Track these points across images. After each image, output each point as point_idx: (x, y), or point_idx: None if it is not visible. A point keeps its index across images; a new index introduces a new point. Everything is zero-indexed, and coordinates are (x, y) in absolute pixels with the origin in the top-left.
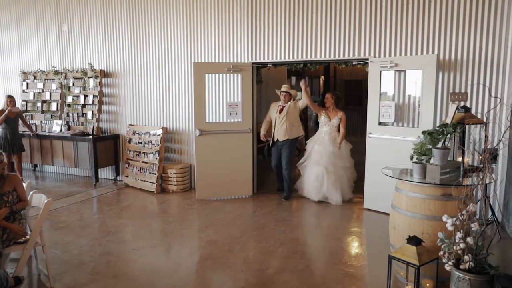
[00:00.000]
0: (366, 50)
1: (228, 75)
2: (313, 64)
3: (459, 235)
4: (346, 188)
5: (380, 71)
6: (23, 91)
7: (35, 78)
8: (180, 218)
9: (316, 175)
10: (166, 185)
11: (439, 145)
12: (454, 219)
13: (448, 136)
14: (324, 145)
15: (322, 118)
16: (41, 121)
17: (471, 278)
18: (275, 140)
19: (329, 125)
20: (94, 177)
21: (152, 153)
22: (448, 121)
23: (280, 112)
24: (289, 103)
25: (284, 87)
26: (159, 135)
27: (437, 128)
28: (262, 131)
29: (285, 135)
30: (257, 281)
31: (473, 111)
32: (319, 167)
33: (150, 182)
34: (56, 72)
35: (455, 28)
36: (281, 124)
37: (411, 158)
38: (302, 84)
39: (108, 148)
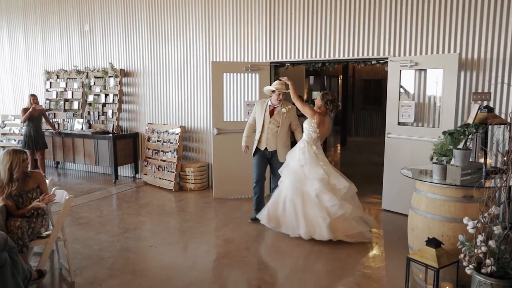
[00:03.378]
0: (385, 49)
1: (246, 74)
2: (331, 63)
3: (480, 238)
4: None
5: (400, 71)
6: (47, 90)
7: (58, 77)
8: (197, 216)
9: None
10: (184, 183)
11: (460, 146)
12: (476, 221)
13: (470, 136)
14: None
15: (312, 125)
16: (63, 120)
17: (493, 283)
18: (262, 149)
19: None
20: (114, 175)
21: (170, 151)
22: (470, 121)
23: (270, 115)
24: (285, 108)
25: (278, 84)
26: (177, 133)
27: (458, 129)
28: (244, 142)
29: (277, 145)
30: (273, 280)
31: (496, 111)
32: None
33: (168, 180)
34: (78, 72)
35: (478, 26)
36: (272, 132)
37: (431, 159)
38: (285, 79)
39: (128, 146)
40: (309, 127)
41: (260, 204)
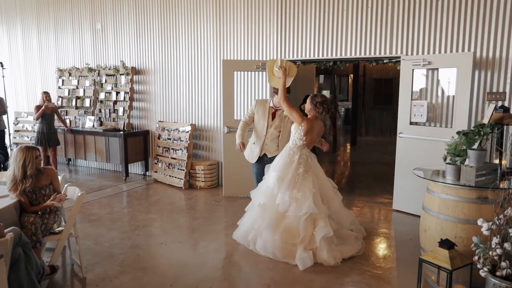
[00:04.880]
0: (398, 47)
1: (256, 72)
2: (343, 62)
3: (495, 240)
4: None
5: (413, 70)
6: (59, 87)
7: (70, 75)
8: (207, 215)
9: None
10: (194, 181)
11: (475, 146)
12: (490, 223)
13: (485, 137)
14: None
15: (299, 132)
16: (75, 117)
17: (509, 286)
18: (261, 155)
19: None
20: (124, 172)
21: (180, 149)
22: (485, 121)
23: (272, 118)
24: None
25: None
26: (188, 131)
27: (473, 129)
28: (238, 139)
29: (277, 150)
30: (284, 279)
31: None
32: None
33: (178, 178)
34: (90, 69)
35: (494, 24)
36: (272, 137)
37: (445, 159)
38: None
39: (138, 144)
40: (296, 133)
41: None
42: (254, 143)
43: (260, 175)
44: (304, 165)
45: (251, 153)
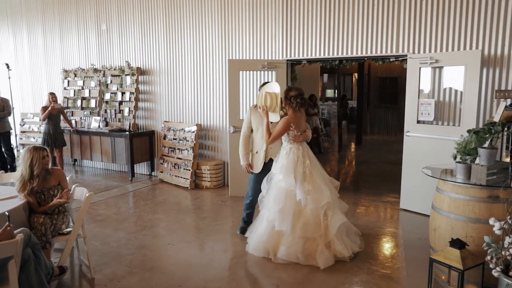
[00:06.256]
0: (404, 46)
1: (262, 72)
2: (348, 61)
3: (508, 239)
4: None
5: (419, 68)
6: (64, 88)
7: (75, 76)
8: (213, 214)
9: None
10: (199, 181)
11: (486, 145)
12: (502, 222)
13: (496, 135)
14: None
15: (292, 131)
16: (81, 118)
17: None
18: (267, 161)
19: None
20: (130, 172)
21: (186, 149)
22: (496, 119)
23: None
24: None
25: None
26: (193, 131)
27: (484, 127)
28: (244, 160)
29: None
30: (292, 279)
31: None
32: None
33: (184, 178)
34: (95, 70)
35: (502, 22)
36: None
37: (455, 157)
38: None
39: (144, 144)
40: (290, 132)
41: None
42: (257, 152)
43: (259, 184)
44: (309, 157)
45: (256, 163)
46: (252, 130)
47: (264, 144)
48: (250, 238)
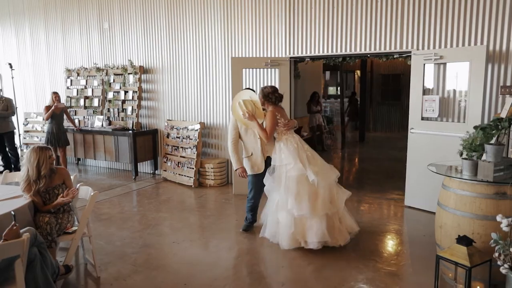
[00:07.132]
0: (408, 42)
1: (265, 69)
2: (352, 57)
3: None
4: None
5: (424, 64)
6: (67, 87)
7: (78, 75)
8: (217, 213)
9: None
10: (203, 179)
11: (492, 141)
12: (510, 219)
13: (503, 131)
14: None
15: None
16: (84, 117)
17: None
18: (265, 159)
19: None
20: (134, 171)
21: (189, 147)
22: (503, 115)
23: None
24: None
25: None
26: (196, 130)
27: (490, 123)
28: (237, 164)
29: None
30: (298, 277)
31: None
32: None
33: (187, 177)
34: (98, 69)
35: (508, 17)
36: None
37: (461, 154)
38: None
39: (147, 143)
40: (277, 128)
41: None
42: (252, 154)
43: (259, 185)
44: (303, 143)
45: (255, 164)
46: (240, 135)
47: (258, 141)
48: (269, 233)
